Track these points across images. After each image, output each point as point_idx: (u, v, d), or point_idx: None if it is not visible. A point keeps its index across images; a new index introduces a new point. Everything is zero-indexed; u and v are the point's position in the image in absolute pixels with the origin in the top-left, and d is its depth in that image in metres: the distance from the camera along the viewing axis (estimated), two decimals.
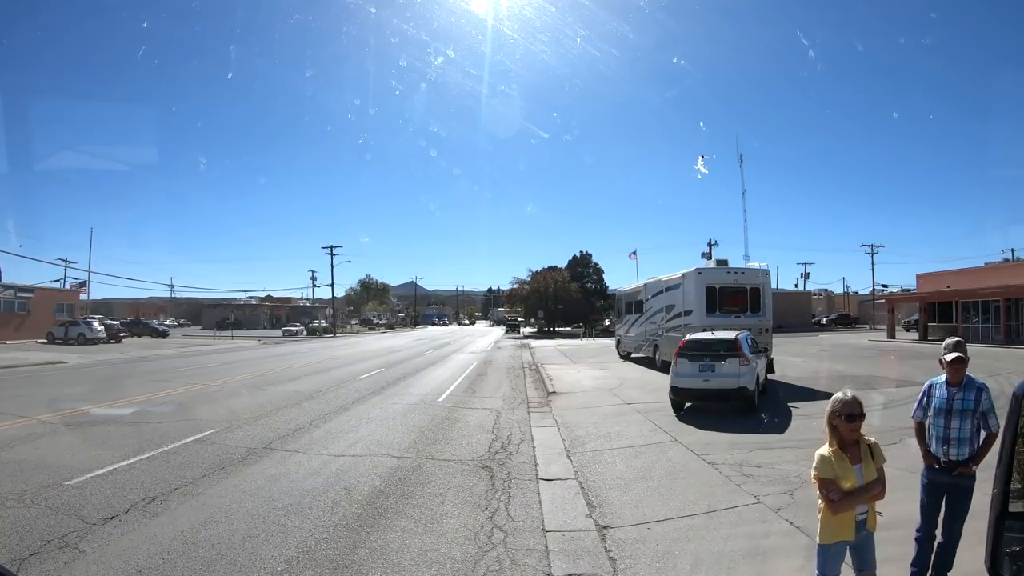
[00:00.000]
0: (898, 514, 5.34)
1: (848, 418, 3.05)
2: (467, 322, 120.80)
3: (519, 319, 68.64)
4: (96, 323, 38.88)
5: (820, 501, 3.12)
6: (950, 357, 3.89)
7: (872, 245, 62.65)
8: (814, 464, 3.10)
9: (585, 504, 5.82)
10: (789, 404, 11.49)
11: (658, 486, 6.41)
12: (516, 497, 6.07)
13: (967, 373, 3.94)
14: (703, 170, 60.92)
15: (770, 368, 14.76)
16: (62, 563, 4.33)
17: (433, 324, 67.26)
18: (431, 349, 33.80)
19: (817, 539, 3.16)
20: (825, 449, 3.11)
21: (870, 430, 10.23)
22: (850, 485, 3.02)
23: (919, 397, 4.16)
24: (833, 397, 3.17)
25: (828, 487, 3.03)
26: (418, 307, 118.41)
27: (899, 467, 6.88)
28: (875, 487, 3.08)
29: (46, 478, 6.45)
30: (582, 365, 22.14)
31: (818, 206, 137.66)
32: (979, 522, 3.87)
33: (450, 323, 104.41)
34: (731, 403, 10.80)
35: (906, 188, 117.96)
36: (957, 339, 4.04)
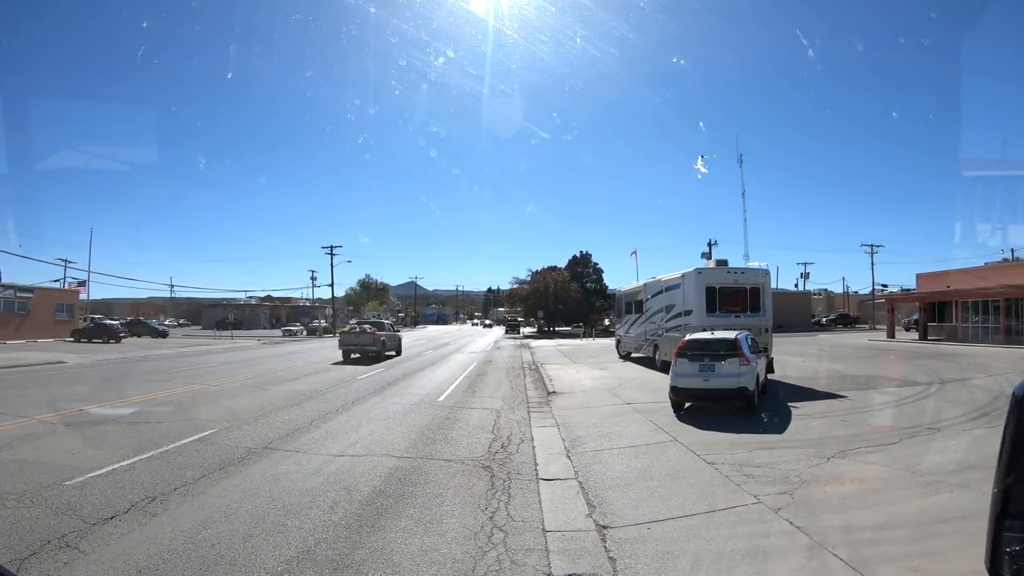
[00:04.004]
0: (898, 514, 5.35)
1: None
2: (477, 323, 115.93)
3: (519, 319, 68.65)
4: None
5: None
6: None
7: (872, 245, 62.67)
8: None
9: (585, 504, 5.81)
10: (789, 404, 11.50)
11: (658, 486, 6.41)
12: (516, 497, 6.07)
13: None
14: (703, 170, 61.05)
15: (770, 368, 14.76)
16: (62, 563, 4.33)
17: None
18: (431, 349, 33.82)
19: None
20: None
21: (873, 430, 10.13)
22: None
23: None
24: None
25: None
26: (418, 307, 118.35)
27: (898, 467, 6.90)
28: None
29: (46, 478, 6.44)
30: (582, 365, 22.13)
31: (818, 206, 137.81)
32: (979, 522, 3.89)
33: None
34: (731, 403, 10.80)
35: (906, 188, 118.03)
36: None
